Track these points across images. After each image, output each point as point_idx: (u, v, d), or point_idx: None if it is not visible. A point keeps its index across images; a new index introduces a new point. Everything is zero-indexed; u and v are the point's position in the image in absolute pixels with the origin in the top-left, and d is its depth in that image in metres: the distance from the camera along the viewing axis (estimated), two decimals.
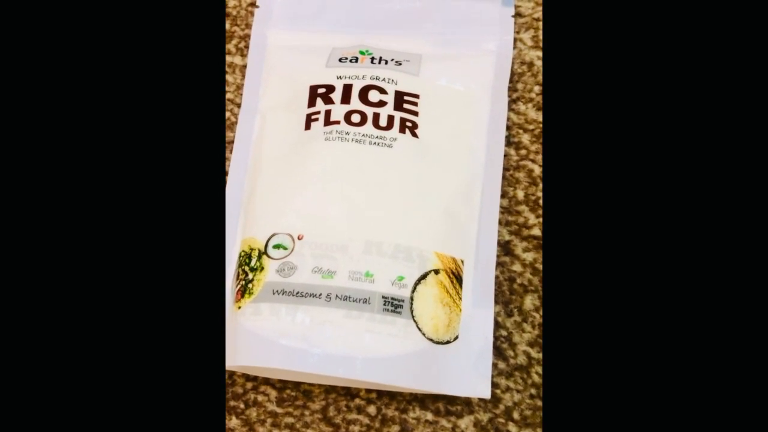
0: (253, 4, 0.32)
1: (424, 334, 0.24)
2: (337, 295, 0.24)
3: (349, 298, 0.24)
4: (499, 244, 0.28)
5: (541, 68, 0.31)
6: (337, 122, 0.27)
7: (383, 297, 0.24)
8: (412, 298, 0.25)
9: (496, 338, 0.27)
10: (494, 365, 0.27)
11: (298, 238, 0.25)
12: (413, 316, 0.24)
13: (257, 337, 0.24)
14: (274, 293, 0.24)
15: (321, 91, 0.28)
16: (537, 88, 0.31)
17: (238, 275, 0.26)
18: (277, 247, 0.25)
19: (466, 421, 0.26)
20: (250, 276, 0.25)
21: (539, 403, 0.27)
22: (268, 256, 0.25)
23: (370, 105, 0.28)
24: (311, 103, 0.28)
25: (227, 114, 0.31)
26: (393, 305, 0.24)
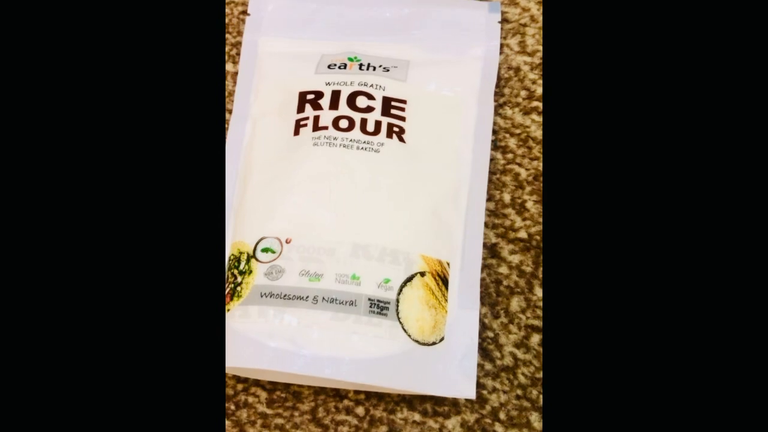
0: (245, 12, 0.33)
1: (409, 336, 0.25)
2: (323, 298, 0.25)
3: (336, 300, 0.25)
4: (486, 246, 0.29)
5: (528, 73, 0.32)
6: (326, 128, 0.28)
7: (369, 299, 0.25)
8: (398, 300, 0.25)
9: (482, 340, 0.28)
10: (481, 366, 0.27)
11: (286, 242, 0.26)
12: (399, 318, 0.25)
13: (246, 339, 0.24)
14: (262, 296, 0.25)
15: (310, 97, 0.29)
16: (523, 93, 0.31)
17: (227, 278, 0.26)
18: (265, 250, 0.26)
19: (453, 422, 0.27)
20: (239, 279, 0.26)
21: (525, 403, 0.27)
22: (257, 260, 0.26)
23: (357, 111, 0.28)
24: (300, 108, 0.28)
25: None
26: (379, 307, 0.25)
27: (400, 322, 0.25)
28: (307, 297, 0.25)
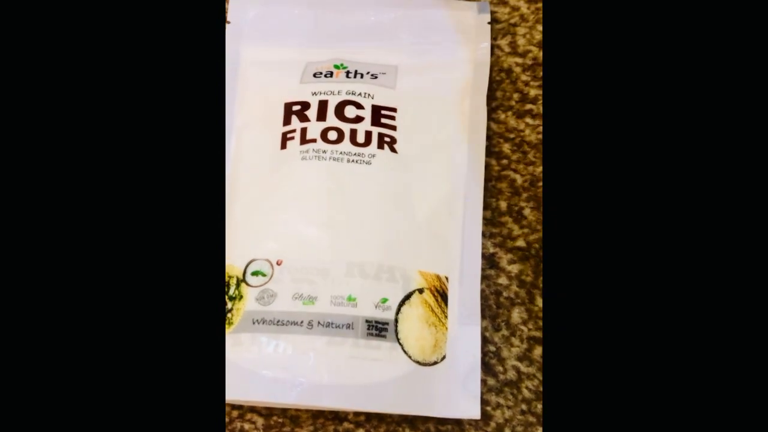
0: (224, 20, 0.31)
1: (410, 357, 0.24)
2: (319, 322, 0.24)
3: (332, 324, 0.24)
4: (484, 257, 0.28)
5: (520, 74, 0.31)
6: (314, 140, 0.26)
7: (367, 321, 0.24)
8: (396, 321, 0.24)
9: (484, 354, 0.27)
10: (483, 382, 0.26)
11: (277, 264, 0.25)
12: (398, 339, 0.24)
13: (239, 370, 0.23)
14: (254, 323, 0.24)
15: (296, 108, 0.27)
16: (516, 96, 0.30)
17: None
18: (255, 274, 0.25)
19: None
20: (229, 305, 0.24)
21: (531, 418, 0.26)
22: (247, 284, 0.24)
23: (346, 121, 0.27)
24: (286, 121, 0.27)
25: None
26: (377, 329, 0.24)
27: (400, 343, 0.24)
28: (302, 322, 0.24)
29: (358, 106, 0.27)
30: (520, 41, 0.31)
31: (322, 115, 0.27)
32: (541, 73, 0.31)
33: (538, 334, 0.27)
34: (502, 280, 0.28)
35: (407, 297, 0.24)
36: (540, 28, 0.32)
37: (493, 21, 0.31)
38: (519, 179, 0.29)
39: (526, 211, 0.29)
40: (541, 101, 0.30)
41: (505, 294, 0.28)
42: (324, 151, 0.26)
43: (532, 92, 0.30)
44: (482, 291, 0.27)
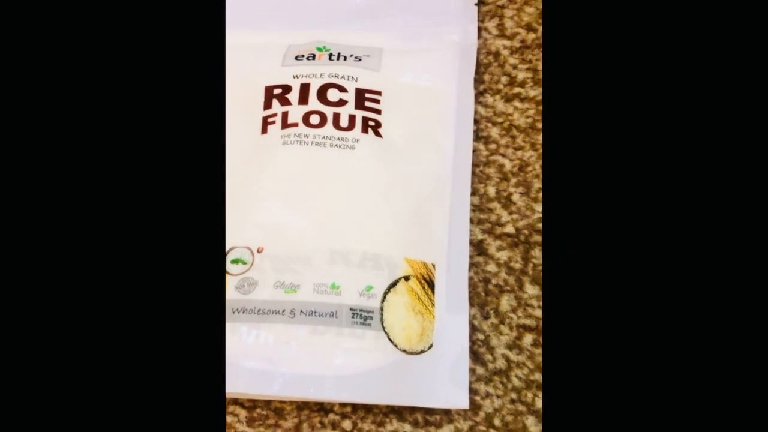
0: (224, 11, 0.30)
1: (396, 346, 0.23)
2: (301, 311, 0.23)
3: (315, 312, 0.23)
4: (472, 243, 0.27)
5: (508, 57, 0.30)
6: (295, 124, 0.26)
7: (351, 309, 0.23)
8: (381, 309, 0.23)
9: (473, 342, 0.26)
10: (472, 371, 0.26)
11: (258, 251, 0.24)
12: (384, 328, 0.23)
13: None
14: (234, 312, 0.23)
15: (277, 91, 0.27)
16: (504, 79, 0.30)
17: None
18: (235, 261, 0.24)
19: (445, 431, 0.25)
20: None
21: (521, 407, 0.26)
22: (227, 272, 0.24)
23: (329, 105, 0.26)
24: (267, 104, 0.26)
25: None
26: (362, 317, 0.23)
27: (386, 332, 0.23)
28: (284, 311, 0.23)
29: (341, 89, 0.26)
30: (508, 23, 0.31)
31: (303, 99, 0.26)
32: (530, 56, 0.30)
33: (528, 321, 0.27)
34: (491, 268, 0.27)
35: (393, 285, 0.24)
36: (528, 10, 0.31)
37: (480, 3, 0.31)
38: (508, 164, 0.28)
39: (515, 197, 0.28)
40: (529, 84, 0.30)
41: (493, 281, 0.27)
42: (306, 136, 0.25)
43: (521, 75, 0.30)
44: (470, 278, 0.27)
